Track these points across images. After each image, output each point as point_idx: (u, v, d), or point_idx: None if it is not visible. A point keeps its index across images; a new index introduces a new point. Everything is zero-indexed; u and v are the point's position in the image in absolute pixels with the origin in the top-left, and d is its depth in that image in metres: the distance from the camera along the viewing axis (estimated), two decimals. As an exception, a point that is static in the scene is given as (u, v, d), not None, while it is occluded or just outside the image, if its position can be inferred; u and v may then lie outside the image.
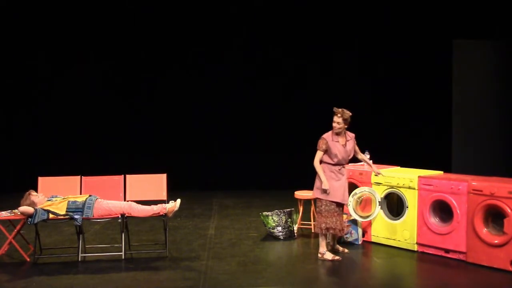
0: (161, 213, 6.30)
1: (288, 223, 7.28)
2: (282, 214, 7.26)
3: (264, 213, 7.37)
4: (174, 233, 7.57)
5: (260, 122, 11.12)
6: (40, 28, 10.78)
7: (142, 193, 6.80)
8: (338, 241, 6.72)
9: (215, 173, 11.06)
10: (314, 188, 6.41)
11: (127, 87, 11.08)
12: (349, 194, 7.10)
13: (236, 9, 10.91)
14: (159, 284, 5.63)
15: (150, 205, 6.36)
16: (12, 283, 5.67)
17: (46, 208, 6.18)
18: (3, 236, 6.62)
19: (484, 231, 6.02)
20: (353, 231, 7.00)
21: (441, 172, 6.91)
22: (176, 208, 6.30)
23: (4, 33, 10.75)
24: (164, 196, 6.79)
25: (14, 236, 6.45)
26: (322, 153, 6.29)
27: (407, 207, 6.67)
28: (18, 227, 6.45)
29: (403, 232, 6.71)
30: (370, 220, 6.98)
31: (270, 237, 7.33)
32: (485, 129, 10.84)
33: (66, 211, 6.18)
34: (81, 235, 6.42)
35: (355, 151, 6.48)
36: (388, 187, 6.83)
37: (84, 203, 6.24)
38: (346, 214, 6.85)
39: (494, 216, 5.99)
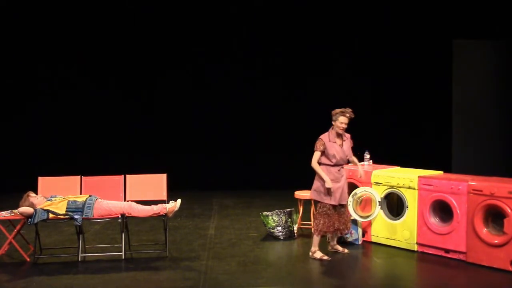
0: (161, 213, 6.30)
1: (288, 223, 7.29)
2: (282, 214, 7.26)
3: (264, 213, 7.37)
4: (174, 233, 7.57)
5: (260, 122, 11.12)
6: (40, 28, 10.78)
7: (142, 193, 6.80)
8: (338, 241, 6.72)
9: (215, 173, 11.06)
10: (312, 189, 6.42)
11: (127, 87, 11.08)
12: (349, 194, 7.12)
13: (236, 9, 10.91)
14: (159, 284, 5.63)
15: (150, 205, 6.37)
16: (12, 283, 5.67)
17: (45, 208, 6.18)
18: (3, 236, 6.61)
19: (484, 231, 6.02)
20: (353, 231, 6.99)
21: (441, 172, 6.91)
22: (176, 208, 6.30)
23: (4, 33, 10.75)
24: (164, 196, 6.79)
25: (14, 236, 6.45)
26: (319, 153, 6.29)
27: (407, 207, 6.67)
28: (18, 227, 6.46)
29: (403, 232, 6.71)
30: (370, 220, 6.98)
31: (270, 237, 7.33)
32: (485, 129, 10.85)
33: (66, 211, 6.18)
34: (81, 235, 6.42)
35: None
36: (388, 187, 6.83)
37: (84, 203, 6.24)
38: None
39: (494, 216, 5.98)
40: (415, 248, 6.64)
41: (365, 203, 7.00)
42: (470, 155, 10.77)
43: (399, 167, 7.30)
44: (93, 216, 6.26)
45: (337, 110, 6.37)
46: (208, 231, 7.80)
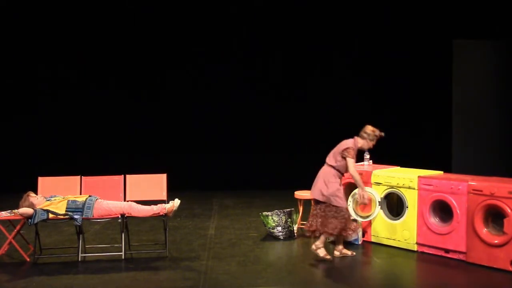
0: (161, 213, 6.30)
1: (288, 223, 7.29)
2: (282, 214, 7.26)
3: (264, 213, 7.37)
4: (174, 233, 7.57)
5: (260, 122, 11.11)
6: (40, 28, 10.77)
7: (142, 193, 6.80)
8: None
9: (215, 173, 11.06)
10: (328, 195, 6.20)
11: (127, 87, 11.07)
12: (349, 195, 7.13)
13: (236, 9, 10.91)
14: (159, 284, 5.63)
15: (150, 205, 6.37)
16: (12, 283, 5.67)
17: (45, 208, 6.18)
18: (3, 236, 6.61)
19: (484, 231, 6.02)
20: (353, 231, 7.00)
21: (441, 172, 6.91)
22: (175, 208, 6.29)
23: (4, 33, 10.75)
24: (164, 196, 6.79)
25: (14, 236, 6.45)
26: (354, 160, 6.24)
27: (407, 207, 6.67)
28: (18, 227, 6.45)
29: (403, 232, 6.71)
30: (370, 220, 6.98)
31: (270, 237, 7.33)
32: (485, 129, 10.84)
33: (66, 211, 6.18)
34: (81, 235, 6.42)
35: None
36: (388, 187, 6.83)
37: (84, 203, 6.24)
38: None
39: (494, 216, 5.98)
40: (415, 248, 6.64)
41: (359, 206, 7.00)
42: (470, 155, 10.77)
43: (399, 167, 7.30)
44: (93, 216, 6.26)
45: (376, 131, 6.33)
46: (208, 231, 7.80)
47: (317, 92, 11.05)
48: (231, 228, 7.93)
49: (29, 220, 6.14)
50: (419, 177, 6.61)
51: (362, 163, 7.58)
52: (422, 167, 7.14)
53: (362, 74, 11.08)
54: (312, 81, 11.14)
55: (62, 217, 6.19)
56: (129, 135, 10.98)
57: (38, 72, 10.93)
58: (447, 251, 6.36)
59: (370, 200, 6.65)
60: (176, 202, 6.33)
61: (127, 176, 6.86)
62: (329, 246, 6.82)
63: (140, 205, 6.38)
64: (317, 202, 6.39)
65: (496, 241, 5.90)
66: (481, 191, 6.00)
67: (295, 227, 7.38)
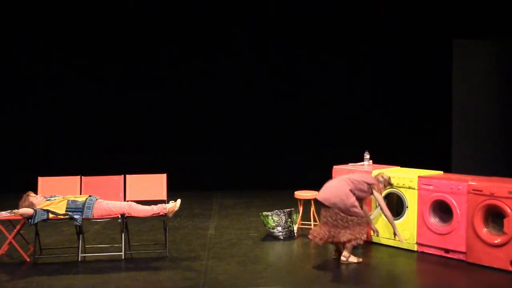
0: (161, 213, 6.30)
1: (288, 223, 7.29)
2: (282, 214, 7.26)
3: (264, 213, 7.37)
4: (174, 233, 7.57)
5: (260, 122, 11.12)
6: (40, 28, 10.77)
7: (142, 193, 6.80)
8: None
9: (215, 173, 11.06)
10: (348, 207, 6.13)
11: (127, 87, 11.07)
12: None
13: (236, 9, 10.91)
14: (159, 284, 5.63)
15: (150, 205, 6.37)
16: (12, 283, 5.68)
17: (45, 208, 6.18)
18: (3, 236, 6.62)
19: (484, 231, 6.02)
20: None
21: (441, 172, 6.91)
22: (176, 208, 6.30)
23: (4, 33, 10.75)
24: (164, 196, 6.79)
25: (14, 236, 6.45)
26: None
27: (407, 207, 6.67)
28: (18, 227, 6.46)
29: (403, 232, 6.70)
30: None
31: (270, 237, 7.33)
32: (485, 129, 10.84)
33: (66, 211, 6.18)
34: (81, 235, 6.42)
35: None
36: (388, 187, 6.82)
37: (84, 203, 6.24)
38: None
39: (494, 216, 5.99)
40: (415, 248, 6.64)
41: (365, 203, 6.99)
42: (470, 155, 10.76)
43: (399, 167, 7.31)
44: (93, 216, 6.26)
45: (390, 180, 6.58)
46: (208, 231, 7.80)
47: (318, 92, 11.05)
48: (231, 228, 7.93)
49: (29, 220, 6.14)
50: (419, 177, 6.61)
51: (362, 163, 7.59)
52: (422, 167, 7.14)
53: (362, 74, 11.09)
54: (312, 81, 11.14)
55: (62, 217, 6.19)
56: (129, 135, 10.99)
57: (38, 72, 10.93)
58: (447, 251, 6.36)
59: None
60: (178, 202, 6.33)
61: (127, 176, 6.86)
62: (330, 246, 6.84)
63: (140, 205, 6.39)
64: (325, 208, 6.25)
65: (496, 241, 5.90)
66: (481, 191, 6.00)
67: (295, 227, 7.38)
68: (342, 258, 6.24)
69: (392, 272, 6.16)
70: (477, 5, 10.36)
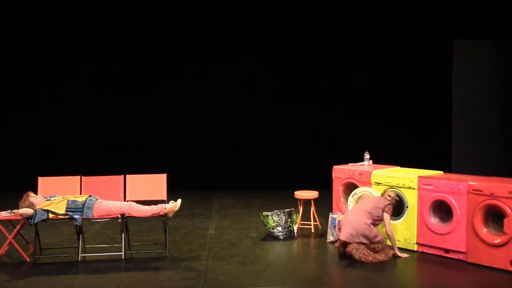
0: (161, 213, 6.30)
1: (288, 223, 7.28)
2: (282, 214, 7.26)
3: (264, 213, 7.37)
4: (174, 233, 7.57)
5: (260, 122, 11.12)
6: (40, 28, 10.78)
7: (142, 193, 6.80)
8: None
9: (215, 173, 11.06)
10: (372, 241, 6.29)
11: (127, 87, 11.08)
12: (349, 195, 7.13)
13: (236, 9, 10.91)
14: (159, 284, 5.63)
15: (150, 205, 6.37)
16: (12, 283, 5.67)
17: (45, 208, 6.18)
18: (3, 236, 6.62)
19: (484, 231, 6.02)
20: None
21: (441, 172, 6.91)
22: (177, 208, 6.30)
23: (3, 32, 10.75)
24: (164, 196, 6.79)
25: (14, 236, 6.45)
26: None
27: (407, 207, 6.67)
28: (18, 227, 6.46)
29: (403, 232, 6.71)
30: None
31: (270, 237, 7.33)
32: (485, 129, 10.84)
33: (66, 211, 6.18)
34: (81, 235, 6.42)
35: None
36: (388, 187, 6.83)
37: (84, 203, 6.24)
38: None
39: (494, 216, 5.99)
40: (415, 248, 6.64)
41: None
42: (470, 155, 10.76)
43: (399, 167, 7.31)
44: (93, 216, 6.26)
45: (396, 199, 6.67)
46: (208, 231, 7.80)
47: (318, 92, 11.05)
48: (231, 228, 7.93)
49: (29, 220, 6.14)
50: (419, 177, 6.61)
51: (362, 163, 7.59)
52: (422, 167, 7.14)
53: (362, 74, 11.09)
54: (312, 81, 11.14)
55: (62, 217, 6.19)
56: (129, 135, 10.99)
57: (38, 72, 10.93)
58: (447, 251, 6.36)
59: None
60: (178, 202, 6.33)
61: (127, 176, 6.86)
62: (330, 246, 6.85)
63: (140, 205, 6.39)
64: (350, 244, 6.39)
65: (496, 241, 5.90)
66: (481, 191, 6.00)
67: (295, 227, 7.38)
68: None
69: (392, 272, 6.16)
70: (477, 5, 10.36)
